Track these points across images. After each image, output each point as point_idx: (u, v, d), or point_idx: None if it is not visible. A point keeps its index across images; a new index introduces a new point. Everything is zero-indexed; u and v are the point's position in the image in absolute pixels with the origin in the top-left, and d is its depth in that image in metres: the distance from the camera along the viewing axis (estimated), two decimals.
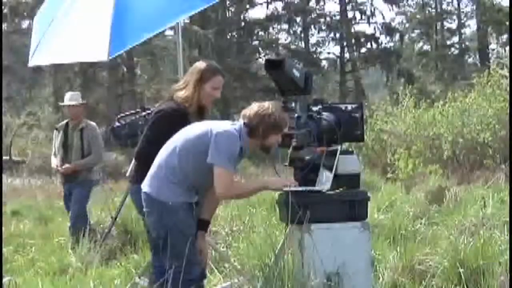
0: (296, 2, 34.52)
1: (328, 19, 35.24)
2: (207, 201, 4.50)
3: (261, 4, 34.13)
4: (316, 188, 4.57)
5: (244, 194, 4.56)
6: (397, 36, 35.34)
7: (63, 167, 7.92)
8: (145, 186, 4.37)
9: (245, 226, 7.37)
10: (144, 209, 4.39)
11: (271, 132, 4.30)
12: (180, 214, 4.25)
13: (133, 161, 5.12)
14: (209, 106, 4.83)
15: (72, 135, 8.01)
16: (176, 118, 4.54)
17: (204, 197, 4.47)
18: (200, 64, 4.78)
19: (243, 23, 33.72)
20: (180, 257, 4.16)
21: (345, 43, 34.87)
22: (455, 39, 37.48)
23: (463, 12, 37.63)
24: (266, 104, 4.34)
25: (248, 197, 4.11)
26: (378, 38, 34.58)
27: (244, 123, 4.29)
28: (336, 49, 36.91)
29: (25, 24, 30.48)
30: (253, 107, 4.34)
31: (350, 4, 35.05)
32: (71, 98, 8.16)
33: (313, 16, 35.26)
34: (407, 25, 38.32)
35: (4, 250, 7.28)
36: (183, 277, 4.13)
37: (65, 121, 8.24)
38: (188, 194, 4.31)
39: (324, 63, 36.17)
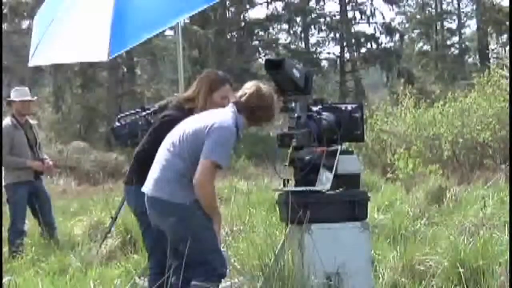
0: (296, 2, 34.48)
1: (328, 19, 35.22)
2: None
3: (261, 4, 34.11)
4: (316, 188, 4.57)
5: (209, 199, 4.32)
6: (397, 36, 35.29)
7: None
8: (152, 190, 4.33)
9: (245, 226, 7.36)
10: (157, 214, 4.34)
11: (263, 113, 4.42)
12: (198, 212, 4.25)
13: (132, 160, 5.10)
14: None
15: (28, 131, 7.76)
16: None
17: None
18: (208, 74, 4.85)
19: (243, 23, 33.68)
20: (215, 250, 4.25)
21: (345, 43, 34.84)
22: (455, 39, 37.47)
23: (463, 12, 37.64)
24: (256, 84, 4.44)
25: (209, 204, 4.19)
26: (378, 38, 34.57)
27: (236, 104, 4.37)
28: (336, 49, 36.85)
29: (25, 24, 30.43)
30: (249, 88, 4.42)
31: (350, 4, 35.02)
32: (25, 93, 7.80)
33: (313, 16, 35.22)
34: (407, 25, 38.29)
35: (4, 250, 7.27)
36: (217, 270, 4.21)
37: (10, 118, 7.69)
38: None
39: (324, 63, 36.14)
